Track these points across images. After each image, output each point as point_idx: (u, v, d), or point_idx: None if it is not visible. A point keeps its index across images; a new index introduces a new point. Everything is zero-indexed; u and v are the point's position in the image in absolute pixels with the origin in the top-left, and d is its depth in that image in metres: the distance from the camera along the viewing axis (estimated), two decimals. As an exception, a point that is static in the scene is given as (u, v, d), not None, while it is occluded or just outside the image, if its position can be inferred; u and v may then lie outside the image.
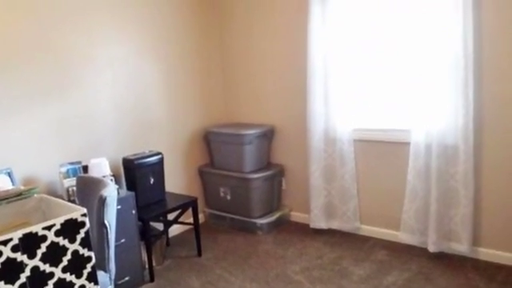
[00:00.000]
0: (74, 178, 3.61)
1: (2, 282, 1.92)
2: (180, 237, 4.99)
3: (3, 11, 3.51)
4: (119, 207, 3.48)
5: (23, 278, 1.99)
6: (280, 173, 5.23)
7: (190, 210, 4.47)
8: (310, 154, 4.70)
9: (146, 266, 4.10)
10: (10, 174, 3.43)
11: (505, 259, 3.87)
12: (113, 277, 2.89)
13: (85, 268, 2.23)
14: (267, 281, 3.91)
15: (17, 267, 1.97)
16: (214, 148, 5.21)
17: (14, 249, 1.95)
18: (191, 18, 5.13)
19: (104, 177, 3.56)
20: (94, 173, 3.76)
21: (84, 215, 2.21)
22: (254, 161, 5.01)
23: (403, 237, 4.27)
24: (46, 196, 2.59)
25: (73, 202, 3.36)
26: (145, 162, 4.29)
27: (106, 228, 2.75)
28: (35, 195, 2.60)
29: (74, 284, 2.20)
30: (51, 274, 2.10)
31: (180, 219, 4.59)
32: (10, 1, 3.55)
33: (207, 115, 5.44)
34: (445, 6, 3.71)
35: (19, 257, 1.97)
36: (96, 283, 2.30)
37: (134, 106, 4.56)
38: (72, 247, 2.17)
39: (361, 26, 4.40)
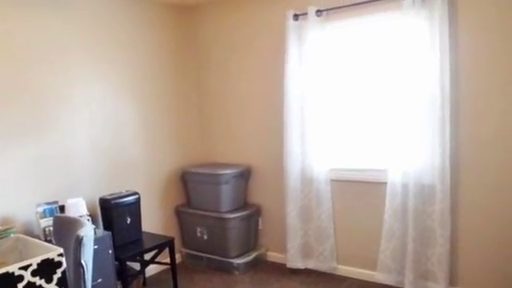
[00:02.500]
0: (51, 218, 3.57)
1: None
2: (157, 277, 4.91)
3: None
4: (96, 247, 3.43)
5: (-1, 319, 1.96)
6: (257, 212, 5.23)
7: (167, 249, 4.42)
8: (287, 193, 4.72)
9: (122, 307, 4.03)
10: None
11: (480, 298, 3.90)
12: (89, 318, 2.84)
13: (62, 309, 2.20)
14: (245, 322, 3.87)
15: (-8, 308, 1.94)
16: (191, 188, 5.20)
17: (-9, 289, 1.92)
18: (168, 57, 5.19)
19: (81, 217, 3.55)
20: (70, 213, 3.72)
21: (61, 255, 2.20)
22: (231, 200, 5.01)
23: (380, 277, 4.28)
24: (22, 236, 2.57)
25: (49, 241, 3.31)
26: (121, 202, 4.27)
27: (83, 268, 2.71)
28: (12, 235, 2.58)
29: (50, 326, 2.16)
30: (27, 316, 2.07)
31: (157, 259, 4.54)
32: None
33: (184, 155, 5.45)
34: (422, 47, 3.82)
35: (-5, 298, 1.94)
36: (73, 325, 2.26)
37: (110, 145, 4.55)
38: (49, 287, 2.14)
39: (338, 67, 4.50)
